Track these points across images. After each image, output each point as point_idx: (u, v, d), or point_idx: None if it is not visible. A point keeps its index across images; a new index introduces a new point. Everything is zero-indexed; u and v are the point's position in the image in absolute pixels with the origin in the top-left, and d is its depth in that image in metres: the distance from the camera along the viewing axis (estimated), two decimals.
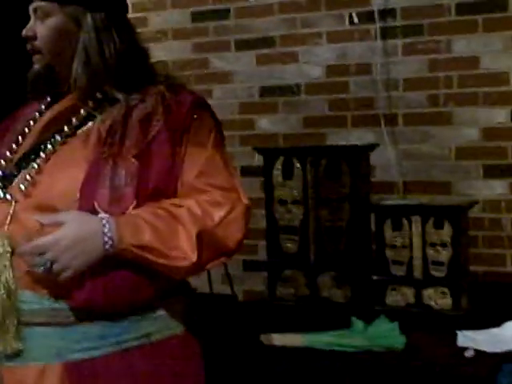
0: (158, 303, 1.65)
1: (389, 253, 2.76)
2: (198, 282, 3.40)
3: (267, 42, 3.47)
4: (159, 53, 3.64)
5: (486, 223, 3.10)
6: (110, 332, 1.59)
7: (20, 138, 1.77)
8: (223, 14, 3.56)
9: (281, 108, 3.46)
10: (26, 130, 1.78)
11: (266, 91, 3.49)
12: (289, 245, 2.94)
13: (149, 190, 1.61)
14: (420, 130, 3.21)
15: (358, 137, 3.29)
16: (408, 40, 3.21)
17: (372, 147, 3.07)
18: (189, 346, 1.72)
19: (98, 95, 1.71)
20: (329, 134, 3.36)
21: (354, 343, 2.47)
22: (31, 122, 1.79)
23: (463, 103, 3.14)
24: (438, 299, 2.69)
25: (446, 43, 3.16)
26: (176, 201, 1.62)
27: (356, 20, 3.29)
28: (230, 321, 2.84)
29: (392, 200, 3.06)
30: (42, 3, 1.70)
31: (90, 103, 1.71)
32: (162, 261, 1.55)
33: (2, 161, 1.73)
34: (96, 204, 1.57)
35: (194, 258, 1.56)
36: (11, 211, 1.62)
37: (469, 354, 2.34)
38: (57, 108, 1.77)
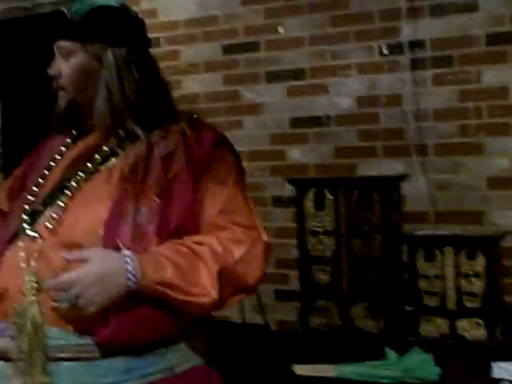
0: (182, 336, 1.66)
1: (422, 283, 2.76)
2: (231, 312, 3.44)
3: (297, 73, 3.51)
4: (191, 85, 3.72)
5: None
6: (135, 366, 1.60)
7: (46, 172, 1.80)
8: (253, 46, 3.60)
9: (311, 139, 3.49)
10: (53, 163, 1.82)
11: (296, 122, 3.52)
12: (321, 275, 2.95)
13: (170, 228, 1.63)
14: (451, 160, 3.21)
15: (388, 167, 3.30)
16: (438, 71, 3.23)
17: (403, 177, 3.08)
18: (211, 378, 1.73)
19: (121, 132, 1.73)
20: (359, 164, 3.37)
21: (387, 374, 2.47)
22: (57, 157, 1.82)
23: (494, 133, 3.14)
24: (472, 330, 2.67)
25: (475, 74, 3.17)
26: (197, 238, 1.64)
27: (386, 51, 3.31)
28: (263, 350, 2.85)
29: (424, 230, 3.05)
30: (65, 43, 1.74)
31: (113, 140, 1.73)
32: (183, 297, 1.57)
33: (30, 196, 1.77)
34: (119, 241, 1.59)
35: (214, 294, 1.57)
36: (38, 248, 1.65)
37: None
38: (81, 144, 1.80)
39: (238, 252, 1.63)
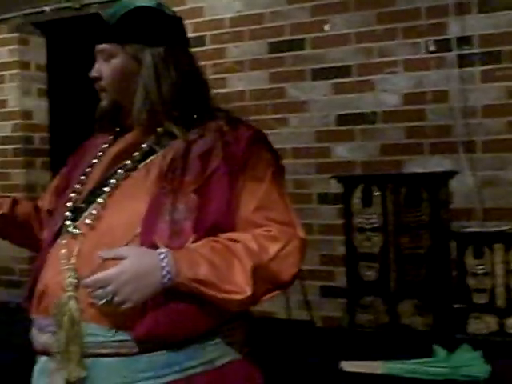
0: (220, 329, 1.67)
1: (470, 280, 2.75)
2: (276, 308, 3.46)
3: (343, 70, 3.50)
4: (236, 83, 3.74)
5: None
6: (174, 360, 1.62)
7: (89, 169, 1.84)
8: (299, 44, 3.60)
9: (357, 136, 3.49)
10: (95, 160, 1.85)
11: (342, 119, 3.51)
12: (368, 272, 2.95)
13: (207, 225, 1.64)
14: (499, 156, 3.19)
15: (435, 164, 3.28)
16: (486, 67, 3.21)
17: (452, 174, 3.06)
18: (250, 371, 1.74)
19: (160, 130, 1.75)
20: (406, 161, 3.36)
21: (436, 371, 2.46)
22: (100, 153, 1.86)
23: None
24: None
25: None
26: (233, 235, 1.65)
27: (432, 48, 3.30)
28: (309, 347, 2.86)
29: (472, 227, 3.04)
30: (105, 45, 1.77)
31: (152, 137, 1.76)
32: (217, 294, 1.58)
33: (73, 194, 1.80)
34: (156, 238, 1.61)
35: (248, 291, 1.58)
36: (78, 245, 1.68)
37: None
38: (121, 142, 1.83)
39: (272, 249, 1.63)
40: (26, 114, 4.54)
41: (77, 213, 1.75)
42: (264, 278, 1.62)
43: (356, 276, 2.98)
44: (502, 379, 2.39)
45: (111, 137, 1.87)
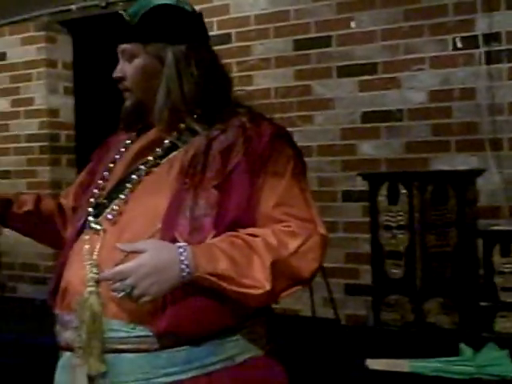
0: (241, 326, 1.67)
1: (497, 279, 2.72)
2: (301, 306, 3.46)
3: (369, 68, 3.49)
4: (262, 80, 3.74)
5: None
6: (194, 356, 1.62)
7: (112, 165, 1.85)
8: (325, 41, 3.59)
9: (383, 133, 3.47)
10: (118, 156, 1.87)
11: (367, 117, 3.50)
12: (394, 270, 2.94)
13: (227, 221, 1.65)
14: None
15: (461, 162, 3.26)
16: None
17: (479, 172, 3.04)
18: (272, 367, 1.74)
19: (182, 126, 1.76)
20: (432, 159, 3.34)
21: (462, 370, 2.44)
22: (122, 150, 1.87)
23: None
24: None
25: None
26: (252, 230, 1.65)
27: (460, 45, 3.27)
28: (334, 344, 2.85)
29: (499, 225, 3.01)
30: (127, 45, 1.78)
31: (174, 133, 1.77)
32: (236, 289, 1.58)
33: (96, 189, 1.82)
34: (176, 234, 1.62)
35: (267, 286, 1.58)
36: (100, 240, 1.70)
37: None
38: (144, 138, 1.84)
39: (292, 244, 1.63)
40: (53, 112, 4.57)
41: (99, 208, 1.76)
42: (283, 273, 1.62)
43: (382, 274, 2.97)
44: None
45: (134, 133, 1.89)
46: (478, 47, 3.22)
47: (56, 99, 4.60)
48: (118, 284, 1.56)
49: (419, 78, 3.37)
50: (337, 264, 3.50)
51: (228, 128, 1.73)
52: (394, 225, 2.93)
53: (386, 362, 2.55)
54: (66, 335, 1.70)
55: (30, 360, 3.05)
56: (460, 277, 2.83)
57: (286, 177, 1.70)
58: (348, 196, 3.55)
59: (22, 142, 4.60)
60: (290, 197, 1.69)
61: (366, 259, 3.24)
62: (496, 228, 2.92)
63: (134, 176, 1.75)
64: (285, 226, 1.66)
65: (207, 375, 1.63)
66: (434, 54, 3.34)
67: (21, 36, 4.59)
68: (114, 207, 1.73)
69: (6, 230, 2.07)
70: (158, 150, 1.76)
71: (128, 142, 1.88)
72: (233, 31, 3.79)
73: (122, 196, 1.73)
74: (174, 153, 1.75)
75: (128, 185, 1.74)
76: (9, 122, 4.66)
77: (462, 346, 2.55)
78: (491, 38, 3.20)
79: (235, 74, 3.44)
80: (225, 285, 1.58)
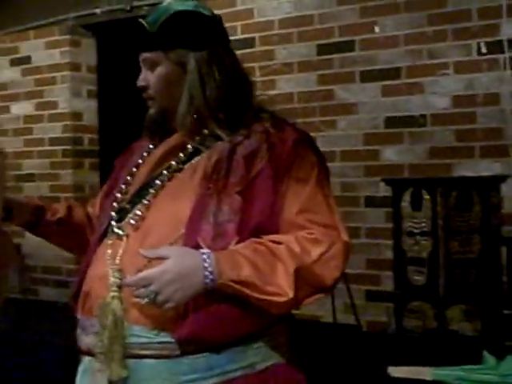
0: (262, 333, 1.66)
1: None
2: (322, 312, 3.44)
3: (392, 73, 3.48)
4: (285, 85, 3.74)
5: None
6: (216, 363, 1.61)
7: (135, 169, 1.84)
8: (348, 45, 3.59)
9: (406, 139, 3.45)
10: (141, 161, 1.86)
11: (391, 122, 3.49)
12: (416, 277, 2.92)
13: (251, 227, 1.63)
14: None
15: (484, 168, 3.24)
16: None
17: (503, 178, 3.01)
18: (292, 375, 1.72)
19: (205, 131, 1.75)
20: (455, 164, 3.32)
21: (484, 379, 2.42)
22: (145, 155, 1.86)
23: None
24: None
25: None
26: (275, 237, 1.64)
27: (484, 50, 3.25)
28: (356, 351, 2.84)
29: None
30: (149, 54, 1.77)
31: (197, 139, 1.75)
32: (259, 296, 1.57)
33: (119, 194, 1.81)
34: (200, 240, 1.61)
35: (290, 294, 1.57)
36: (123, 246, 1.69)
37: None
38: (167, 144, 1.82)
39: (315, 252, 1.62)
40: (76, 116, 4.60)
41: (122, 213, 1.76)
42: (306, 280, 1.60)
43: (404, 280, 2.95)
44: None
45: (157, 138, 1.87)
46: (502, 52, 3.20)
47: (80, 103, 4.63)
48: (141, 290, 1.56)
49: (443, 83, 3.35)
50: (358, 270, 3.49)
51: (251, 133, 1.72)
52: (417, 231, 2.91)
53: (408, 370, 2.53)
54: (87, 340, 1.70)
55: (53, 362, 3.06)
56: (483, 284, 2.81)
57: (309, 183, 1.69)
58: (371, 202, 3.53)
59: (46, 146, 4.64)
60: (313, 203, 1.68)
61: (388, 265, 3.23)
62: None
63: (156, 181, 1.75)
64: (308, 233, 1.64)
65: (228, 382, 1.62)
66: (457, 59, 3.32)
67: (45, 40, 4.63)
68: (137, 212, 1.72)
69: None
70: (181, 155, 1.75)
71: (151, 147, 1.88)
72: (256, 35, 3.79)
73: (145, 201, 1.73)
74: (197, 158, 1.74)
75: (151, 190, 1.74)
76: (33, 126, 4.69)
77: (485, 354, 2.53)
78: None
79: (258, 78, 3.46)
80: (248, 292, 1.57)
